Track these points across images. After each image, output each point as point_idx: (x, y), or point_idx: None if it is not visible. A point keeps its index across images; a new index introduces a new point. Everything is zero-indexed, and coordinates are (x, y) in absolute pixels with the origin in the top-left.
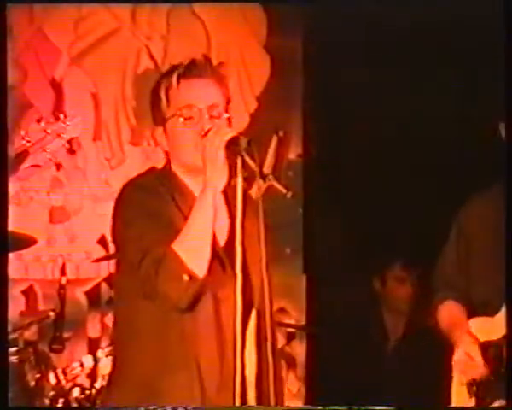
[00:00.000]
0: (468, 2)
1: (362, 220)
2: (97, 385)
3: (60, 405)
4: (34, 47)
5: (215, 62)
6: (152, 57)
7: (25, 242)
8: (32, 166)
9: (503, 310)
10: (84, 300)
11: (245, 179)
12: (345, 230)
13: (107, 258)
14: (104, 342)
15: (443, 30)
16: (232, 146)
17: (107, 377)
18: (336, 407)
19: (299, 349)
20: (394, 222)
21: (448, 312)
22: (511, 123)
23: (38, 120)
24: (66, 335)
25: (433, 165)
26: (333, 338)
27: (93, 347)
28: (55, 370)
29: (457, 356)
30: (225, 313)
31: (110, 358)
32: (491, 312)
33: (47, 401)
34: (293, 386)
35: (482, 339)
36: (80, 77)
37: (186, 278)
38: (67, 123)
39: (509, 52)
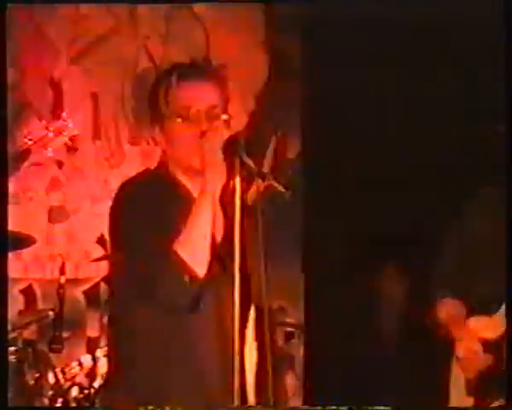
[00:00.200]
0: (468, 2)
1: (361, 220)
2: (96, 385)
3: (59, 404)
4: (33, 46)
5: (214, 63)
6: (151, 57)
7: (24, 241)
8: (34, 164)
9: (503, 309)
10: (83, 299)
11: (243, 179)
12: (344, 229)
13: (107, 258)
14: (103, 342)
15: (443, 30)
16: (230, 146)
17: (105, 377)
18: (335, 407)
19: (298, 349)
20: (394, 222)
21: (448, 309)
22: (511, 123)
23: (40, 119)
24: (65, 334)
25: (433, 165)
26: (331, 338)
27: (92, 346)
28: (53, 369)
29: (457, 354)
30: (225, 313)
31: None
32: (491, 310)
33: (46, 401)
34: (292, 385)
35: (481, 337)
36: (79, 77)
37: (187, 278)
38: (68, 121)
39: (509, 52)
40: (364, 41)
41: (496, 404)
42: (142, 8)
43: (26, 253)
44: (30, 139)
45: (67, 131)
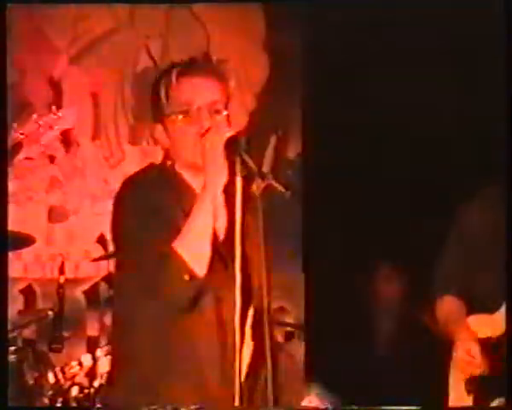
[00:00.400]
0: (469, 2)
1: (361, 220)
2: (96, 384)
3: (59, 404)
4: (33, 46)
5: (214, 59)
6: (151, 56)
7: (24, 241)
8: (26, 158)
9: (503, 307)
10: (82, 299)
11: (244, 178)
12: (344, 229)
13: (106, 257)
14: (103, 341)
15: (443, 30)
16: (231, 145)
17: (105, 376)
18: (336, 407)
19: (298, 348)
20: (394, 221)
21: (448, 308)
22: (511, 123)
23: (30, 114)
24: (65, 334)
25: (433, 164)
26: (331, 338)
27: (92, 346)
28: (53, 369)
29: (457, 353)
30: (225, 312)
31: (109, 357)
32: (491, 309)
33: (46, 400)
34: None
35: (481, 336)
36: (79, 76)
37: (187, 277)
38: (59, 114)
39: (509, 52)
40: (364, 41)
41: (495, 403)
42: (142, 8)
43: (25, 252)
44: (21, 134)
45: (59, 125)
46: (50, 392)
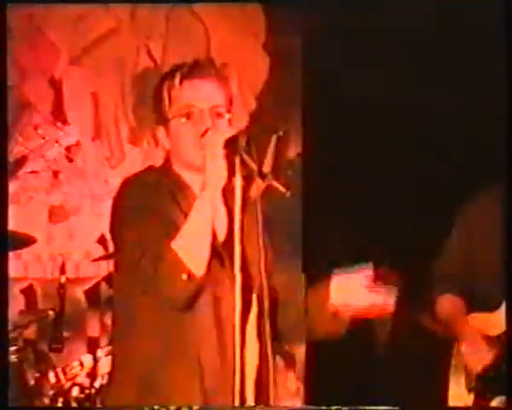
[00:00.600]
0: (469, 2)
1: (361, 220)
2: (97, 384)
3: (59, 404)
4: (34, 46)
5: (218, 63)
6: (151, 57)
7: (24, 241)
8: (31, 172)
9: (503, 306)
10: (83, 299)
11: (244, 178)
12: (344, 229)
13: (107, 257)
14: (103, 342)
15: (443, 30)
16: (231, 145)
17: (106, 376)
18: (336, 407)
19: (299, 348)
20: (394, 221)
21: (448, 306)
22: (511, 123)
23: (36, 127)
24: (65, 334)
25: (433, 164)
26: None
27: (92, 346)
28: (54, 369)
29: (458, 351)
30: (224, 312)
31: (109, 357)
32: (491, 307)
33: (46, 401)
34: (293, 385)
35: (481, 334)
36: (80, 76)
37: (185, 277)
38: (65, 130)
39: (509, 52)
40: (364, 41)
41: (496, 401)
42: (142, 8)
43: (26, 252)
44: (26, 148)
45: (64, 140)
46: (51, 392)
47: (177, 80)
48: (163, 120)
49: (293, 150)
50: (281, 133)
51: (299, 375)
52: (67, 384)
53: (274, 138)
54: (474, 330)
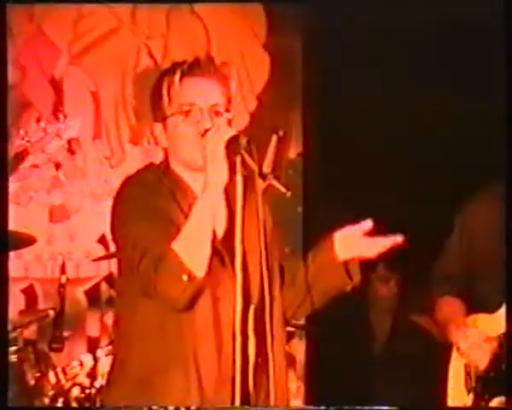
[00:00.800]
0: (469, 2)
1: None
2: (97, 384)
3: (59, 404)
4: (34, 46)
5: (218, 62)
6: (152, 56)
7: (25, 241)
8: (32, 166)
9: (503, 307)
10: (83, 299)
11: (244, 178)
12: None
13: (107, 257)
14: (104, 341)
15: (443, 29)
16: (232, 145)
17: (106, 376)
18: (336, 407)
19: (299, 348)
20: (394, 221)
21: (447, 308)
22: (511, 123)
23: (38, 120)
24: (65, 334)
25: (433, 164)
26: (332, 338)
27: (93, 346)
28: (54, 369)
29: (457, 352)
30: (224, 313)
31: (110, 357)
32: (491, 309)
33: (47, 400)
34: (293, 385)
35: (481, 336)
36: (80, 76)
37: (185, 278)
38: (67, 123)
39: (509, 52)
40: (364, 41)
41: (495, 402)
42: (142, 8)
43: (26, 252)
44: (27, 141)
45: (66, 133)
46: (51, 392)
47: (177, 77)
48: (161, 118)
49: (294, 150)
50: (281, 133)
51: (299, 375)
52: (67, 384)
53: (274, 138)
54: (473, 332)
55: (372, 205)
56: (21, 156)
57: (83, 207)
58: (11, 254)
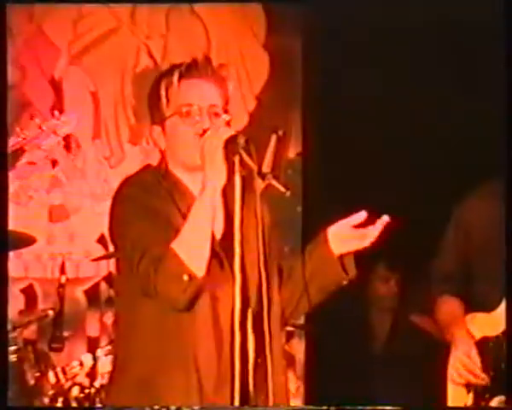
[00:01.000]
0: (469, 2)
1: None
2: (97, 384)
3: (59, 404)
4: (34, 46)
5: (215, 63)
6: (151, 56)
7: (24, 241)
8: (28, 163)
9: (502, 306)
10: (83, 299)
11: (243, 178)
12: None
13: (107, 257)
14: (103, 341)
15: (443, 29)
16: (230, 145)
17: (106, 376)
18: (336, 407)
19: (299, 348)
20: (394, 221)
21: (446, 307)
22: (511, 119)
23: (32, 117)
24: (65, 334)
25: (432, 163)
26: (332, 337)
27: (92, 346)
28: (54, 369)
29: (457, 352)
30: (224, 313)
31: (109, 357)
32: (490, 308)
33: (46, 400)
34: (292, 385)
35: (479, 335)
36: (80, 76)
37: (185, 278)
38: (62, 119)
39: (509, 52)
40: (364, 41)
41: (495, 401)
42: (142, 8)
43: (26, 252)
44: (23, 138)
45: (61, 130)
46: (51, 392)
47: (175, 79)
48: (159, 120)
49: (293, 150)
50: (280, 133)
51: (299, 374)
52: (67, 384)
53: (274, 138)
54: (471, 335)
55: (372, 205)
56: (18, 154)
57: (82, 207)
58: (11, 254)
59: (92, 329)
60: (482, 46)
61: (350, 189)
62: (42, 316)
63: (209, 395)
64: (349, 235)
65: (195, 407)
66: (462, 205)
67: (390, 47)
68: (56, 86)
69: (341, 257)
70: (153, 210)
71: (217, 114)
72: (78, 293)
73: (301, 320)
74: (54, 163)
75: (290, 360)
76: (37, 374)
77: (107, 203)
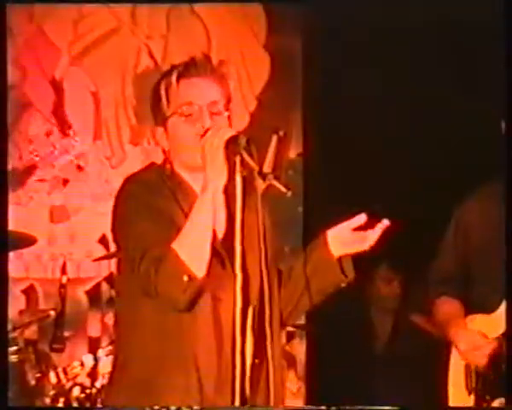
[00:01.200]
0: (469, 2)
1: None
2: (98, 384)
3: (60, 404)
4: (34, 46)
5: (215, 61)
6: (152, 56)
7: (25, 241)
8: (40, 180)
9: (501, 308)
10: (84, 299)
11: (244, 178)
12: None
13: (108, 257)
14: (104, 342)
15: (443, 29)
16: (231, 145)
17: (107, 377)
18: (336, 407)
19: (299, 348)
20: (394, 221)
21: (446, 308)
22: (511, 119)
23: (47, 134)
24: (66, 334)
25: (432, 164)
26: (333, 337)
27: (93, 346)
28: (55, 369)
29: (457, 353)
30: (224, 313)
31: (110, 357)
32: (489, 309)
33: (47, 401)
34: (293, 385)
35: (480, 336)
36: (80, 76)
37: (186, 278)
38: (76, 139)
39: (509, 52)
40: (364, 41)
41: (496, 402)
42: (142, 8)
43: (27, 252)
44: (36, 156)
45: (75, 148)
46: (52, 392)
47: (173, 78)
48: (161, 120)
49: (294, 150)
50: (281, 133)
51: (299, 375)
52: (68, 384)
53: (274, 138)
54: (472, 333)
55: (372, 205)
56: (30, 170)
57: (83, 208)
58: (11, 254)
59: (93, 329)
60: (482, 46)
61: (350, 189)
62: (43, 316)
63: (209, 395)
64: (349, 238)
65: (195, 408)
66: (463, 206)
67: (390, 47)
68: (57, 87)
69: (340, 259)
70: (156, 210)
71: (218, 113)
72: (80, 293)
73: (302, 321)
74: (65, 182)
75: (291, 361)
76: (38, 374)
77: (109, 204)
